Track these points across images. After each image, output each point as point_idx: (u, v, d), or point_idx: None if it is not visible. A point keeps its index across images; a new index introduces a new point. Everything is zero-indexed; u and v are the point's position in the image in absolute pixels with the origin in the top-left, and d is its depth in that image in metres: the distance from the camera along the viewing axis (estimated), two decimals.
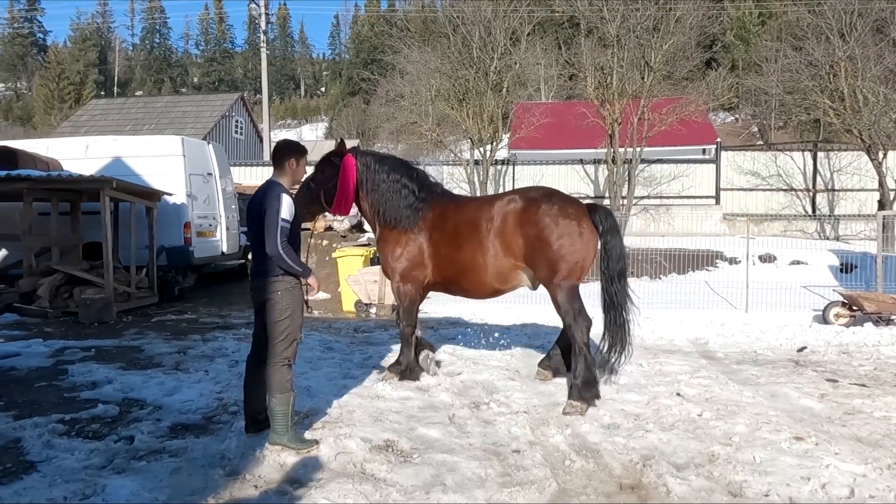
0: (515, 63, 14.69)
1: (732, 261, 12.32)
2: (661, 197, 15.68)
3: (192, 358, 6.17)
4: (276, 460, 3.65)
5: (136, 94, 68.09)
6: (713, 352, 6.88)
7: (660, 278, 11.89)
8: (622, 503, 3.26)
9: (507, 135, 14.85)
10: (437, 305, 10.07)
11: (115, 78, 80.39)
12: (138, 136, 14.74)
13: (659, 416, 4.54)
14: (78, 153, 10.85)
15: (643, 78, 13.01)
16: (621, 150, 13.61)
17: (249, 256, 13.84)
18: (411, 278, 5.26)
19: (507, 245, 4.93)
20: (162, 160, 10.39)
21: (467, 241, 5.04)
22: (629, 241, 13.47)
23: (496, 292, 5.33)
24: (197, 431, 4.11)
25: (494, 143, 14.78)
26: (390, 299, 9.58)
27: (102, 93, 65.27)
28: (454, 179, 16.67)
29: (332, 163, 5.20)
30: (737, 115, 41.94)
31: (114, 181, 8.73)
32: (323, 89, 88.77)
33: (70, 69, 69.10)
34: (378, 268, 9.80)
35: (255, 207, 3.89)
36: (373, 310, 9.53)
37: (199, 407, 4.58)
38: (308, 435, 4.01)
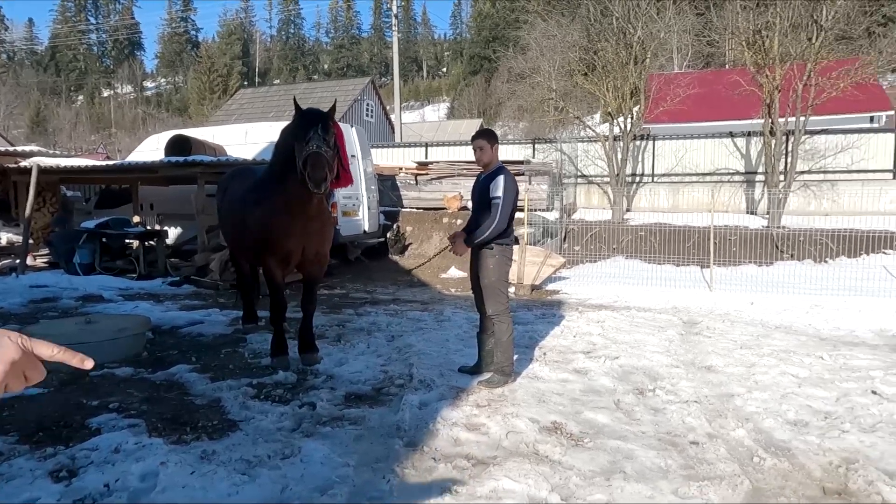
0: (661, 32, 13.68)
1: None
2: (824, 172, 14.06)
3: (351, 331, 6.50)
4: (449, 434, 3.74)
5: (274, 82, 73.00)
6: None
7: (826, 262, 10.74)
8: None
9: (636, 108, 13.90)
10: (578, 287, 9.85)
11: (256, 68, 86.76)
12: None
13: (854, 416, 4.10)
14: (239, 139, 11.77)
15: (811, 39, 11.61)
16: (781, 120, 12.32)
17: (388, 235, 14.14)
18: None
19: None
20: None
21: None
22: (787, 221, 12.30)
23: None
24: (370, 402, 4.31)
25: (634, 118, 13.98)
26: (529, 279, 9.49)
27: (245, 83, 70.71)
28: (589, 157, 16.08)
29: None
30: None
31: None
32: (444, 70, 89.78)
33: (218, 62, 75.53)
34: (517, 247, 9.75)
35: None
36: (511, 289, 9.49)
37: (367, 378, 4.79)
38: (475, 412, 4.09)
